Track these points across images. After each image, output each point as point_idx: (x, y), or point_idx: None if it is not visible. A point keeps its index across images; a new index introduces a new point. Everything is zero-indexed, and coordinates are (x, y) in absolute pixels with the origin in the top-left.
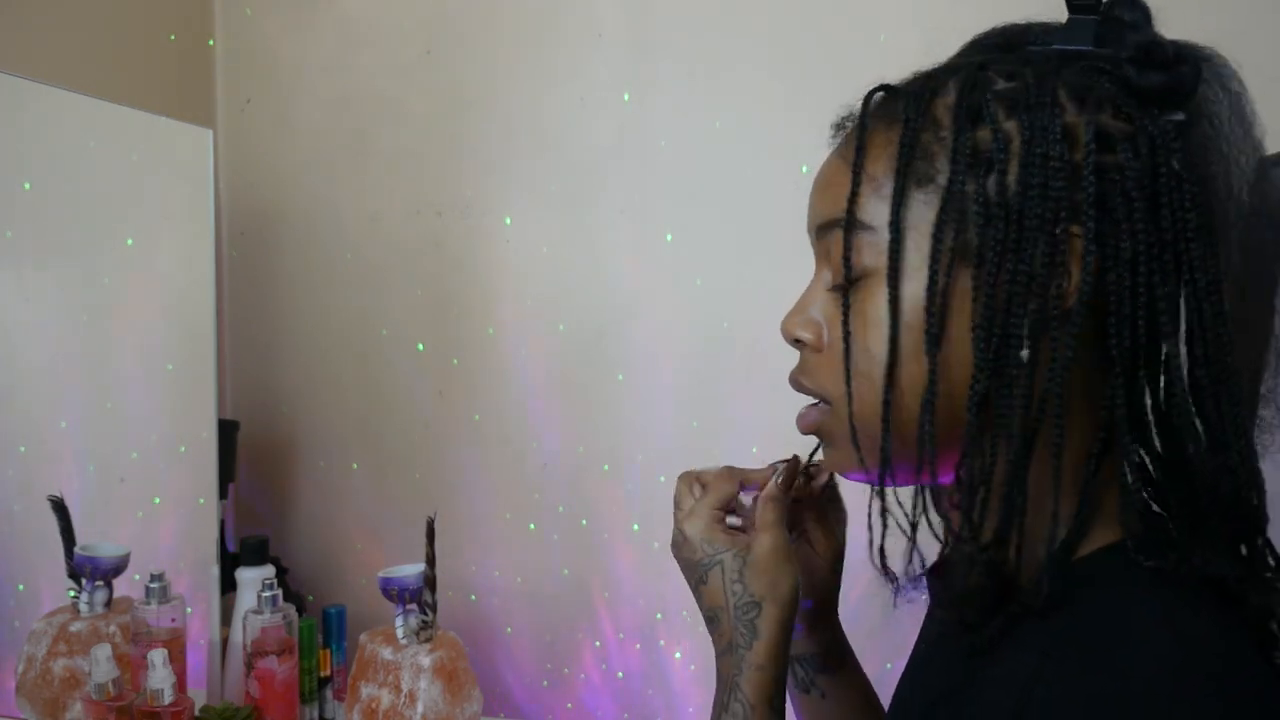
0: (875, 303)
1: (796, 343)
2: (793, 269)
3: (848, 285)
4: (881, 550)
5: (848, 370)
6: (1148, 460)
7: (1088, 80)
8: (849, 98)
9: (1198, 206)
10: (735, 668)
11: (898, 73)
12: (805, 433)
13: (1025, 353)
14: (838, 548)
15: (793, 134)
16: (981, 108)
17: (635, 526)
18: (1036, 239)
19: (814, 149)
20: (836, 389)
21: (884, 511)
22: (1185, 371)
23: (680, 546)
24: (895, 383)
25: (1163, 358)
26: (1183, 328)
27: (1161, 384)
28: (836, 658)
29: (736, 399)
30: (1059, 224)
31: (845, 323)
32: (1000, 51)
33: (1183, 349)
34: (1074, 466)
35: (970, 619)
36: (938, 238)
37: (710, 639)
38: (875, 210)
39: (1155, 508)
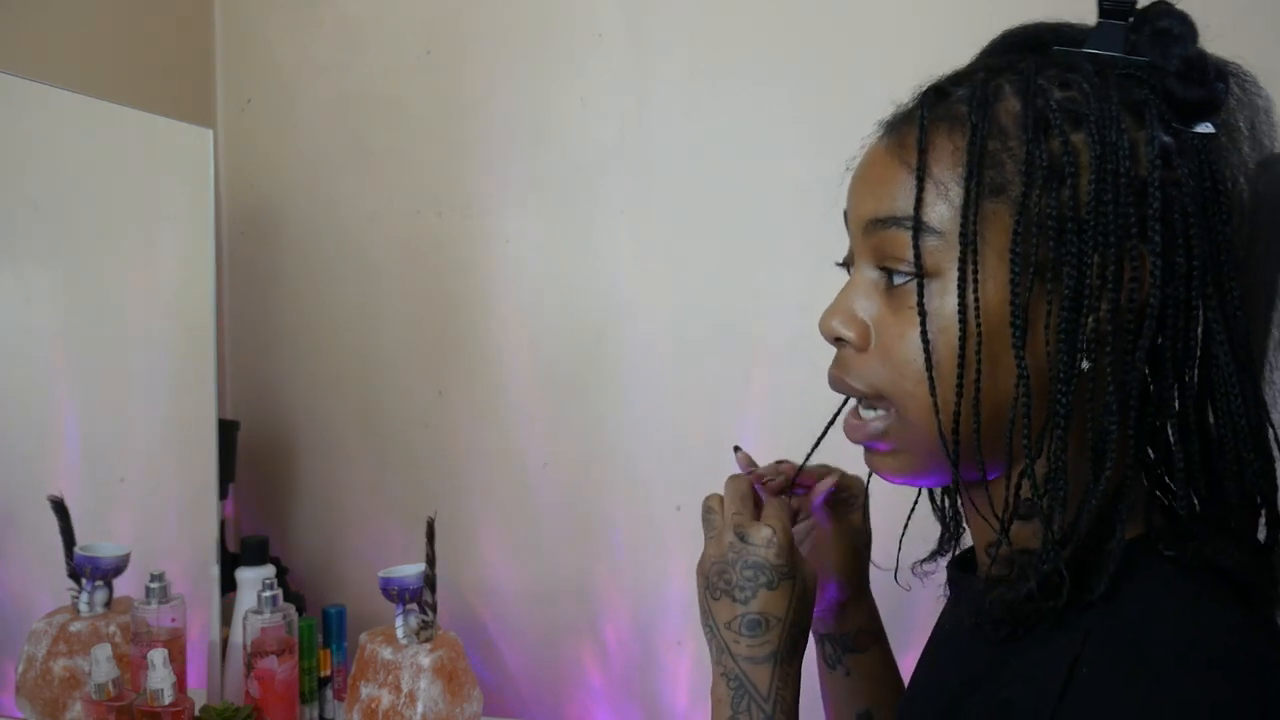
0: (939, 307)
1: (837, 341)
2: (793, 268)
3: (921, 289)
4: (952, 555)
5: (931, 377)
6: (1166, 459)
7: (1136, 93)
8: (848, 98)
9: (1231, 219)
10: (781, 681)
11: (898, 74)
12: (861, 442)
13: (1086, 363)
14: (868, 532)
15: (793, 134)
16: (1049, 118)
17: (635, 526)
18: (1108, 253)
19: (814, 149)
20: (893, 387)
21: (959, 517)
22: (1235, 375)
23: (750, 542)
24: (967, 388)
25: (1215, 365)
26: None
27: (1195, 389)
28: (867, 638)
29: (736, 399)
30: (1129, 239)
31: (924, 331)
32: (1027, 52)
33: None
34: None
35: (1030, 614)
36: (1015, 250)
37: (726, 638)
38: (940, 214)
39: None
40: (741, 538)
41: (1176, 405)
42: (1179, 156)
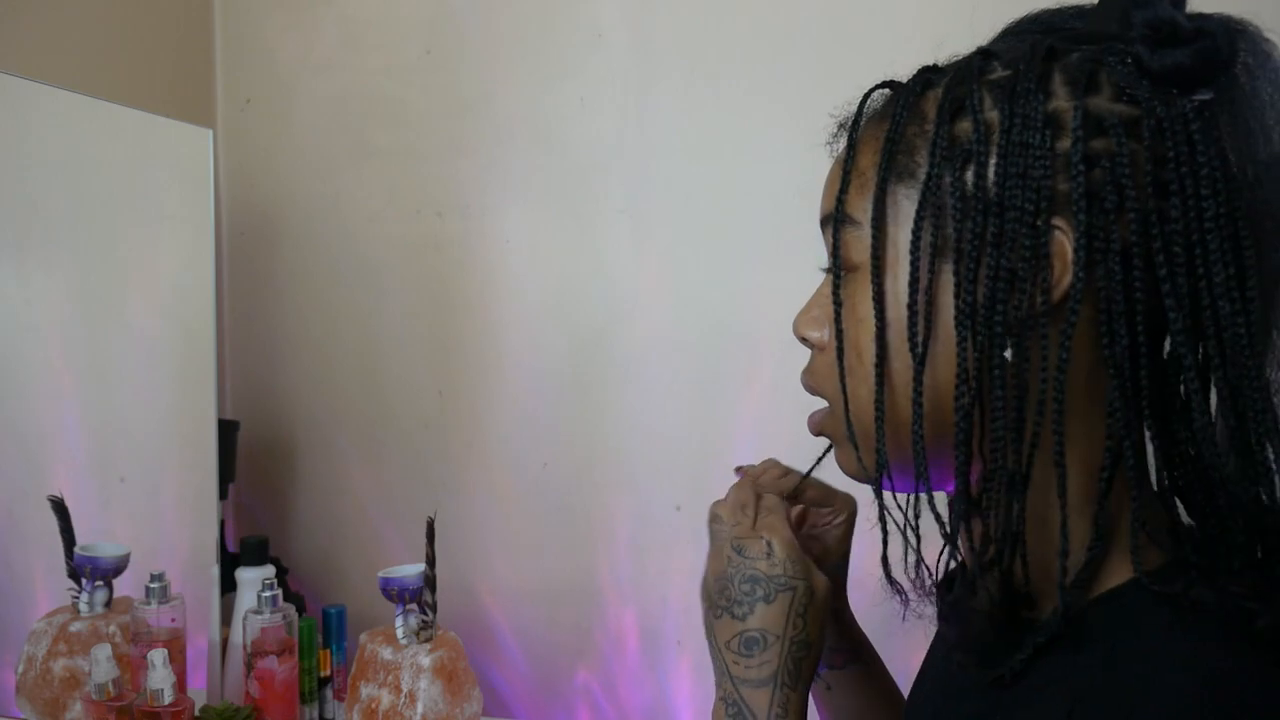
0: (864, 299)
1: (805, 341)
2: (792, 269)
3: (838, 282)
4: (884, 561)
5: (841, 369)
6: (1165, 473)
7: (1092, 64)
8: (849, 97)
9: (1216, 194)
10: (781, 707)
11: (899, 74)
12: (814, 434)
13: (1009, 352)
14: (846, 547)
15: (793, 134)
16: (966, 98)
17: (635, 526)
18: (1016, 232)
19: (813, 149)
20: (832, 388)
21: (881, 519)
22: (1195, 372)
23: (745, 554)
24: (885, 380)
25: (1171, 358)
26: (1208, 326)
27: (1178, 386)
28: (844, 656)
29: (736, 399)
30: (1039, 215)
31: (838, 319)
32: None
33: (1200, 349)
34: (1088, 481)
35: (983, 647)
36: (916, 233)
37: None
38: (860, 204)
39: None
40: (738, 550)
41: (1121, 403)
42: (1123, 126)
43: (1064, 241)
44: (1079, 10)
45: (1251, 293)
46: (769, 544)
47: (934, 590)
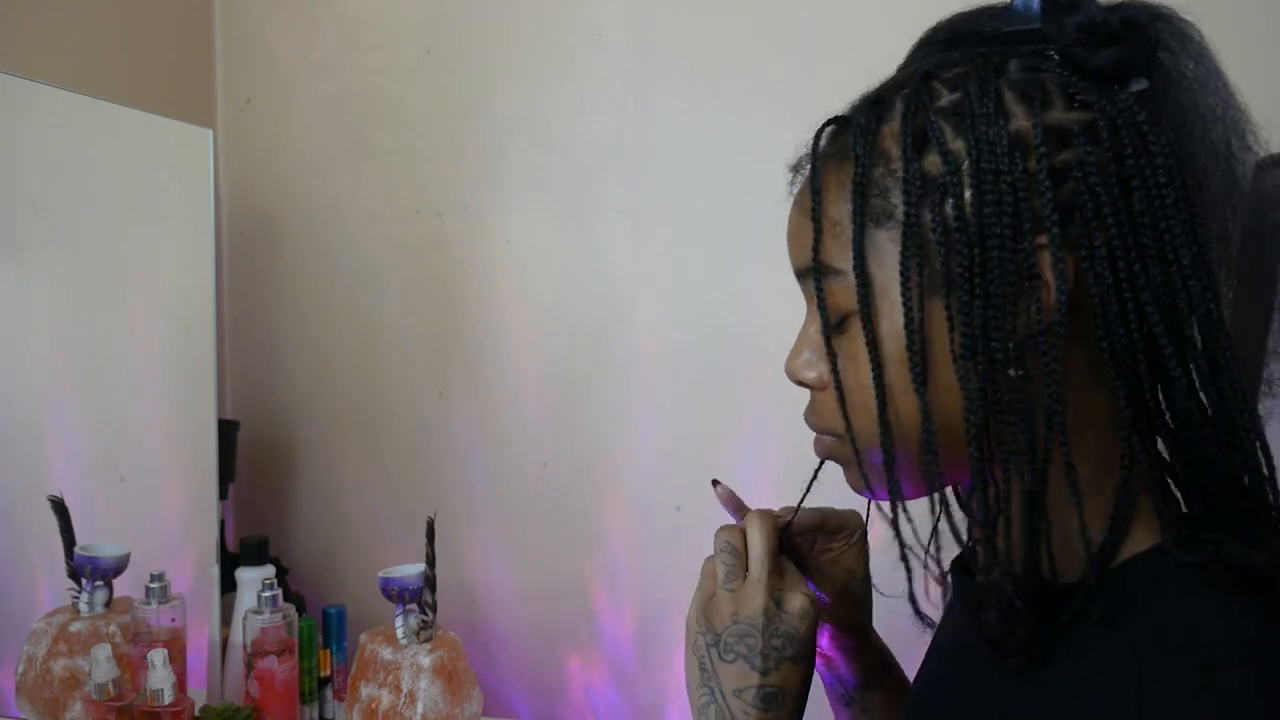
0: (859, 344)
1: (802, 384)
2: (791, 270)
3: (828, 334)
4: (912, 598)
5: (845, 416)
6: (1167, 456)
7: (1034, 74)
8: (848, 98)
9: (1173, 180)
10: None
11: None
12: (821, 458)
13: (1014, 372)
14: (866, 564)
15: (792, 134)
16: (927, 130)
17: (635, 526)
18: (1003, 257)
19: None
20: (841, 427)
21: (903, 557)
22: (1177, 359)
23: (786, 610)
24: (891, 421)
25: (1160, 352)
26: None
27: (1147, 379)
28: (878, 676)
29: (736, 399)
30: (1024, 237)
31: (835, 371)
32: (949, 47)
33: (1189, 333)
34: (1096, 475)
35: (1011, 644)
36: (905, 275)
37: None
38: (842, 254)
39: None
40: (779, 603)
41: (1128, 398)
42: (1083, 134)
43: (1049, 258)
44: (993, 11)
45: (1215, 268)
46: (809, 602)
47: (942, 580)
